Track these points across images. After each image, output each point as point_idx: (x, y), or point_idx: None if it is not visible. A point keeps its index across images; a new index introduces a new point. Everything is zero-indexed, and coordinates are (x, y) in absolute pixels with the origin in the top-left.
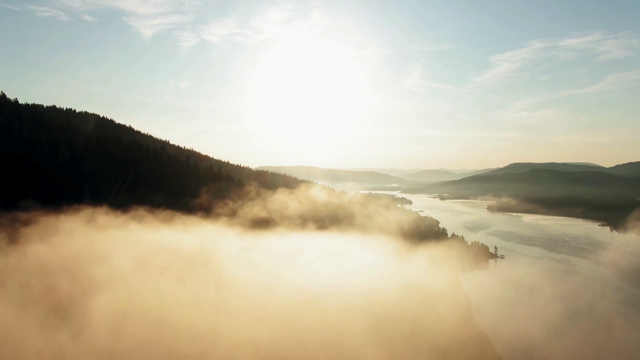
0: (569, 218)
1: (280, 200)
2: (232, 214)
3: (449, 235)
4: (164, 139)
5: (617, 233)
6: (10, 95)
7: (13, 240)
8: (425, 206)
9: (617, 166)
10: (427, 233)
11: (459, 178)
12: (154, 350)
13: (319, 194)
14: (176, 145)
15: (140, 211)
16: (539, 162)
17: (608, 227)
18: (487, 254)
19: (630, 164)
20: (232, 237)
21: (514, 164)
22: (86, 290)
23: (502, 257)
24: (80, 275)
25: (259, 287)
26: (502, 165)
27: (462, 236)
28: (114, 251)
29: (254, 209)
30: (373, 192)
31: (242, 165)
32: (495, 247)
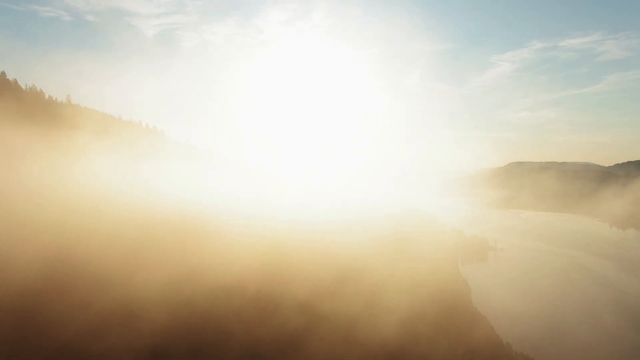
0: (569, 214)
1: None
2: None
3: (450, 229)
4: (164, 136)
5: (615, 228)
6: None
7: None
8: (425, 203)
9: (616, 165)
10: None
11: (459, 177)
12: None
13: None
14: (175, 141)
15: None
16: (539, 162)
17: (607, 223)
18: (486, 246)
19: (629, 162)
20: None
21: (514, 162)
22: None
23: (502, 249)
24: None
25: None
26: (501, 165)
27: (462, 230)
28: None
29: None
30: None
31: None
32: (495, 241)
